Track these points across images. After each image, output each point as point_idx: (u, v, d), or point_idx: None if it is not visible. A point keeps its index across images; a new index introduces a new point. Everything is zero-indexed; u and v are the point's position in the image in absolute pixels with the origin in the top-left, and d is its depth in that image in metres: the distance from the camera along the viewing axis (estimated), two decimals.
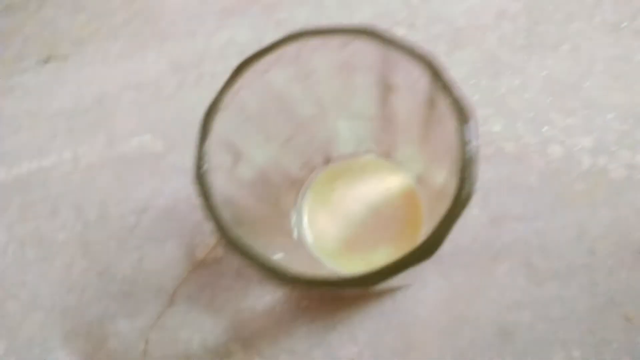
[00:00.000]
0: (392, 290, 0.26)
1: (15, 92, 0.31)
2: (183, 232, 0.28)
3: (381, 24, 0.29)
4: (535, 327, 0.24)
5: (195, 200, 0.28)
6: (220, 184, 0.16)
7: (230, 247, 0.14)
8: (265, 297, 0.27)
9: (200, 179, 0.15)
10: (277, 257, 0.19)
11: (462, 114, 0.14)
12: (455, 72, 0.28)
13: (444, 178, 0.19)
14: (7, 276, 0.29)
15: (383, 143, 0.23)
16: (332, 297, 0.26)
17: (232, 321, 0.26)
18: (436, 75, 0.14)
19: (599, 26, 0.28)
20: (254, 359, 0.26)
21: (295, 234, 0.23)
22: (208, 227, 0.28)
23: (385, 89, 0.18)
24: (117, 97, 0.30)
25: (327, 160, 0.25)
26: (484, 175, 0.27)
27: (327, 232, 0.24)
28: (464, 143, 0.14)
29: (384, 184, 0.24)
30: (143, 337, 0.27)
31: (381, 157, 0.25)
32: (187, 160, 0.29)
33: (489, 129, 0.27)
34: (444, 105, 0.15)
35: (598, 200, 0.26)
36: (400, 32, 0.29)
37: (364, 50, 0.16)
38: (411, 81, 0.16)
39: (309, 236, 0.24)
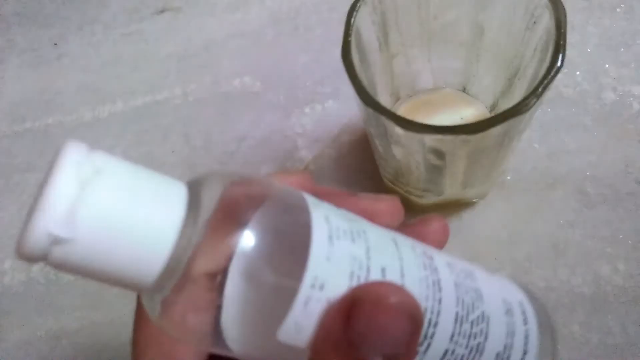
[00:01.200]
0: (459, 208, 0.30)
1: (133, 37, 0.36)
2: (276, 158, 0.33)
3: None
4: (585, 244, 0.28)
5: (288, 132, 0.32)
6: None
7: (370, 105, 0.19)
8: None
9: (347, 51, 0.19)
10: None
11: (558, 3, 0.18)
12: None
13: (521, 96, 0.23)
14: None
15: (462, 74, 0.27)
16: (407, 214, 0.30)
17: None
18: None
19: None
20: None
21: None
22: (298, 155, 0.32)
23: (483, 7, 0.22)
24: (223, 44, 0.35)
25: (411, 94, 0.29)
26: (545, 116, 0.30)
27: None
28: (558, 26, 0.18)
29: (459, 114, 0.29)
30: None
31: (457, 90, 0.29)
32: (281, 98, 0.33)
33: None
34: (541, 5, 0.19)
35: None
36: None
37: None
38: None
39: None
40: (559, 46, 0.18)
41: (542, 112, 0.30)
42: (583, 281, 0.27)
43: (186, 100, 0.35)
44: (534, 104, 0.18)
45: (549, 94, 0.30)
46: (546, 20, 0.19)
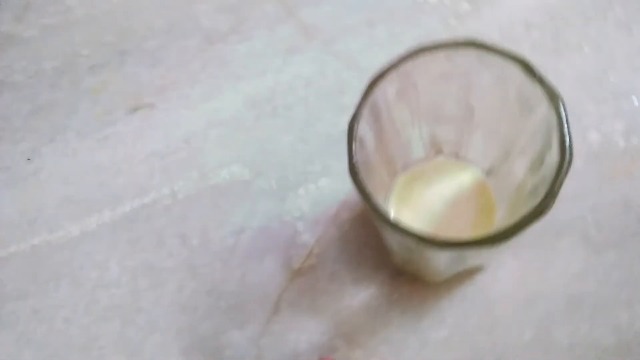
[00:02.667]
0: (472, 274, 0.29)
1: (110, 141, 0.35)
2: (278, 246, 0.32)
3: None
4: (600, 292, 0.28)
5: (285, 217, 0.32)
6: None
7: (380, 219, 0.18)
8: (360, 295, 0.30)
9: (355, 169, 0.19)
10: None
11: (555, 98, 0.18)
12: None
13: (522, 167, 0.23)
14: (123, 305, 0.32)
15: (454, 144, 0.27)
16: (419, 287, 0.30)
17: (332, 320, 0.30)
18: (530, 70, 0.19)
19: (613, 25, 0.32)
20: (356, 351, 0.30)
21: None
22: (300, 239, 0.32)
23: (471, 89, 0.22)
24: (204, 135, 0.34)
25: (406, 166, 0.29)
26: None
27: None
28: (560, 123, 0.18)
29: (456, 181, 0.29)
30: (255, 344, 0.30)
31: (450, 157, 0.29)
32: (273, 183, 0.33)
33: None
34: (536, 96, 0.19)
35: (637, 174, 0.30)
36: None
37: (464, 59, 0.20)
38: (502, 79, 0.20)
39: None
40: (564, 144, 0.18)
41: None
42: (603, 333, 0.28)
43: (176, 199, 0.34)
44: (553, 203, 0.18)
45: None
46: (544, 111, 0.19)
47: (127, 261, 0.33)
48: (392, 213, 0.29)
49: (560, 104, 0.19)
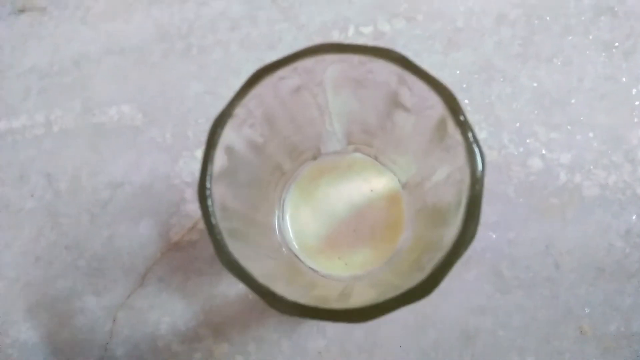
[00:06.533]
0: None
1: None
2: (159, 211, 0.27)
3: (381, 14, 0.29)
4: (496, 333, 0.26)
5: (174, 180, 0.27)
6: (219, 191, 0.16)
7: (229, 269, 0.14)
8: (239, 285, 0.26)
9: (204, 196, 0.14)
10: (266, 264, 0.19)
11: (474, 159, 0.14)
12: (448, 73, 0.28)
13: (435, 196, 0.19)
14: None
15: (374, 148, 0.23)
16: None
17: (203, 306, 0.27)
18: (455, 111, 0.14)
19: (593, 43, 0.28)
20: (223, 345, 0.26)
21: (277, 231, 0.23)
22: (185, 209, 0.27)
23: (393, 104, 0.18)
24: (97, 61, 0.28)
25: (316, 156, 0.24)
26: None
27: (308, 228, 0.24)
28: (474, 184, 0.14)
29: (369, 185, 0.25)
30: (110, 315, 0.27)
31: (369, 157, 0.25)
32: (167, 136, 0.28)
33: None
34: (456, 142, 0.15)
35: (569, 216, 0.27)
36: (398, 25, 0.28)
37: (381, 70, 0.15)
38: (424, 106, 0.16)
39: (290, 232, 0.24)
40: (472, 220, 0.14)
41: None
42: None
43: (50, 130, 0.28)
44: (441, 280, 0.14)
45: None
46: (460, 160, 0.15)
47: None
48: (289, 209, 0.24)
49: (478, 169, 0.14)
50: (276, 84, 0.16)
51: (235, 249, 0.15)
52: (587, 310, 0.26)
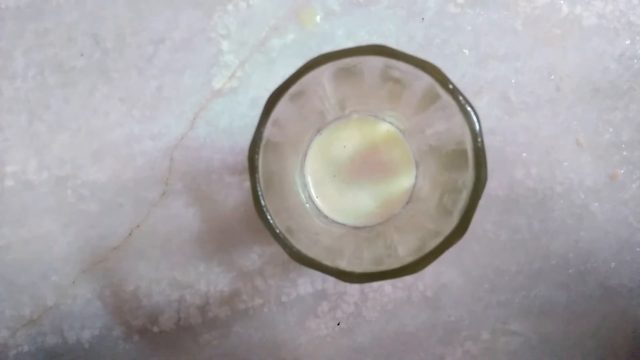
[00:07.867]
0: None
1: None
2: (199, 63, 0.30)
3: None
4: (504, 149, 0.30)
5: (210, 33, 0.30)
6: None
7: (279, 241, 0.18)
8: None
9: (254, 162, 0.18)
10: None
11: (470, 118, 0.18)
12: None
13: (443, 141, 0.23)
14: (31, 99, 0.31)
15: (370, 107, 0.26)
16: None
17: (246, 144, 0.30)
18: (443, 82, 0.18)
19: None
20: None
21: (301, 195, 0.27)
22: (223, 60, 0.30)
23: (383, 79, 0.21)
24: None
25: (322, 124, 0.27)
26: (477, 19, 0.30)
27: (327, 187, 0.28)
28: (475, 138, 0.18)
29: (372, 132, 0.28)
30: (167, 156, 0.30)
31: (368, 116, 0.27)
32: None
33: None
34: (449, 103, 0.18)
35: (569, 44, 0.30)
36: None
37: (370, 60, 0.18)
38: (413, 78, 0.19)
39: (314, 194, 0.28)
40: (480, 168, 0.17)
41: (474, 15, 0.30)
42: (499, 184, 0.30)
43: None
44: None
45: None
46: (458, 120, 0.19)
47: (34, 54, 0.31)
48: (309, 173, 0.28)
49: (476, 126, 0.18)
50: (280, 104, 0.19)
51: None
52: (583, 126, 0.30)
